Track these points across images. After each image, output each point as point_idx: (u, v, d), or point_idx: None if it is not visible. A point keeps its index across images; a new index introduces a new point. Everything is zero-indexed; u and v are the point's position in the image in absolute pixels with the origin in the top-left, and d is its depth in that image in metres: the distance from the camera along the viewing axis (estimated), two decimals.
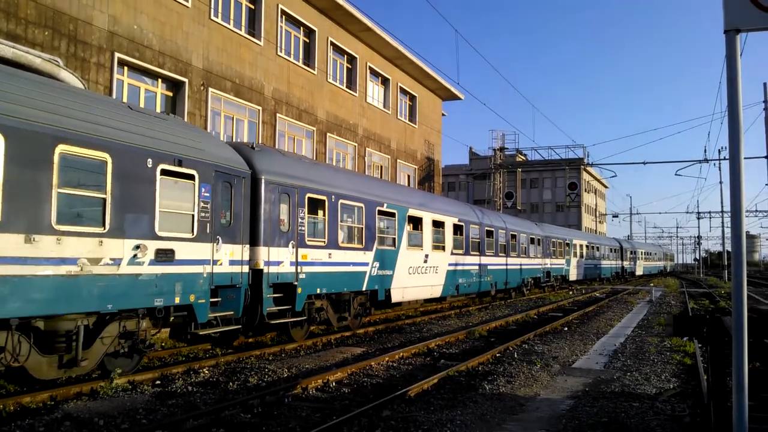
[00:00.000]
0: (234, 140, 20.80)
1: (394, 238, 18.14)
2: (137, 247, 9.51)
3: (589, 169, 75.65)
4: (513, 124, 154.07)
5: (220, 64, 20.72)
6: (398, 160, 33.46)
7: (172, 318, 10.61)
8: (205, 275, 10.92)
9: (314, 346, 14.06)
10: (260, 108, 22.72)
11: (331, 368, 10.92)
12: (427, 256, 20.21)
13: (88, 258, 8.73)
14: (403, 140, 34.09)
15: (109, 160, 9.06)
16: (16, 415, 7.61)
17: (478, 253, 25.10)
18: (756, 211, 64.12)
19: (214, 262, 11.18)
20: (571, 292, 37.14)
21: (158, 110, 17.88)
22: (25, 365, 8.34)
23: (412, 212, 19.38)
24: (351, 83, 29.31)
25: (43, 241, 8.07)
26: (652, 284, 51.07)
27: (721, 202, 62.19)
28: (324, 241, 14.71)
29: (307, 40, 26.14)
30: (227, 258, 11.55)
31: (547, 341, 15.12)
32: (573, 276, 42.90)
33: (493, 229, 27.15)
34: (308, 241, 14.05)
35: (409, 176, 35.03)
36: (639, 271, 71.64)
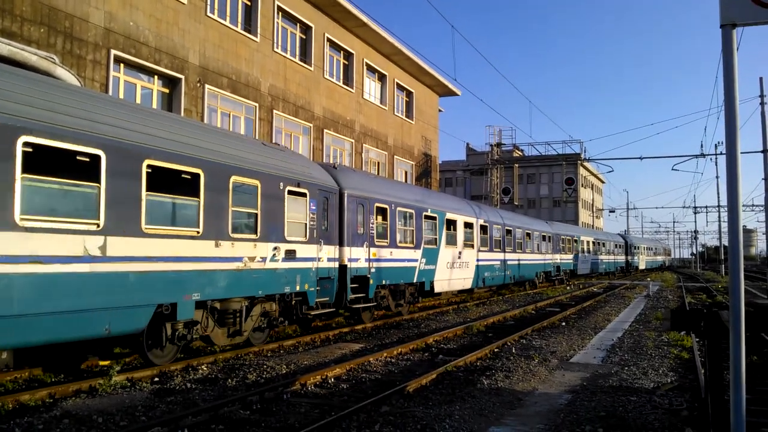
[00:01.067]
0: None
1: (435, 238, 20.95)
2: (275, 248, 12.62)
3: (585, 164, 75.69)
4: (510, 119, 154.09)
5: (216, 61, 20.69)
6: (395, 156, 33.46)
7: (293, 302, 13.58)
8: (313, 269, 14.05)
9: (312, 342, 14.07)
10: (257, 104, 22.70)
11: (330, 364, 10.93)
12: (460, 253, 23.11)
13: (248, 257, 11.79)
14: (400, 136, 34.08)
15: (259, 185, 12.15)
16: (15, 413, 7.61)
17: (500, 250, 28.21)
18: (753, 205, 64.13)
19: (318, 259, 14.24)
20: (568, 287, 37.20)
21: (154, 106, 17.85)
22: (210, 335, 11.44)
23: (449, 216, 22.31)
24: (348, 79, 29.29)
25: (224, 245, 11.17)
26: (649, 279, 51.17)
27: (718, 197, 62.30)
28: (387, 242, 17.72)
29: (304, 37, 26.10)
30: (326, 256, 14.66)
31: (545, 336, 15.16)
32: (581, 270, 45.79)
33: (511, 228, 30.16)
34: (377, 242, 17.09)
35: (406, 172, 35.03)
36: (642, 266, 73.98)
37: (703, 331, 6.13)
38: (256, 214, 12.09)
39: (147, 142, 9.65)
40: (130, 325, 9.36)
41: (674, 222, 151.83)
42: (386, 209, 17.69)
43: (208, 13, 20.37)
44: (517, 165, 52.80)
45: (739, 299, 4.19)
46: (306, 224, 13.79)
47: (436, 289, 20.96)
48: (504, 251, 28.63)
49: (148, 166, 9.61)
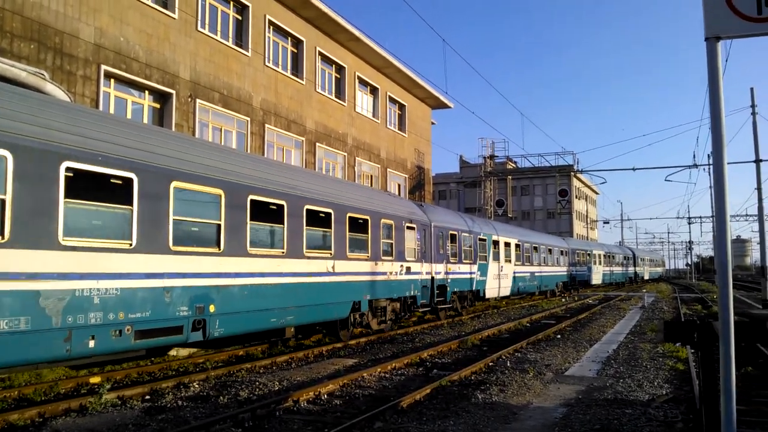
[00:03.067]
0: None
1: (485, 255, 26.70)
2: (401, 265, 18.39)
3: (579, 175, 75.87)
4: (502, 132, 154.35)
5: (207, 75, 20.69)
6: (388, 169, 33.49)
7: (408, 302, 19.09)
8: (419, 280, 19.74)
9: (306, 357, 13.97)
10: (249, 119, 22.70)
11: (323, 380, 10.84)
12: (502, 267, 28.87)
13: (390, 272, 17.56)
14: (392, 149, 34.13)
15: (393, 223, 18.02)
16: None
17: (530, 264, 34.22)
18: (747, 215, 64.48)
19: (420, 273, 19.81)
20: (563, 299, 37.21)
21: (145, 122, 17.81)
22: (370, 322, 17.01)
23: (494, 237, 28.34)
24: (340, 93, 29.35)
25: (380, 264, 16.95)
26: (644, 290, 51.19)
27: (712, 207, 62.37)
28: (457, 259, 23.23)
29: (295, 51, 26.17)
30: (424, 270, 20.21)
31: (540, 349, 15.10)
32: (594, 281, 51.73)
33: (537, 246, 36.18)
34: (450, 259, 22.59)
35: (399, 185, 35.04)
36: (646, 276, 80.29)
37: (697, 342, 6.09)
38: (391, 243, 17.83)
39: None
40: (345, 311, 15.35)
41: (668, 232, 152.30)
42: (456, 235, 23.33)
43: (199, 28, 20.40)
44: (510, 177, 52.92)
45: (728, 311, 4.16)
46: (415, 248, 19.50)
47: (487, 296, 26.82)
48: (533, 264, 34.70)
49: (350, 218, 15.51)
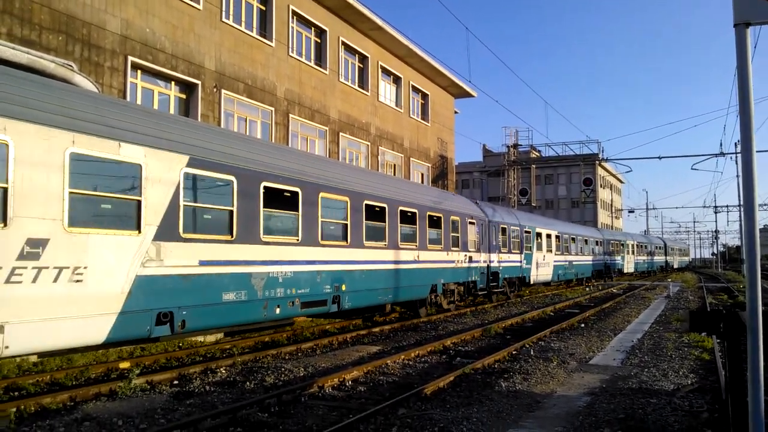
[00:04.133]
0: None
1: (530, 246, 29.90)
2: (465, 255, 21.47)
3: (604, 164, 75.11)
4: (526, 120, 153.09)
5: (232, 66, 20.83)
6: (411, 159, 33.46)
7: (470, 286, 22.30)
8: (478, 267, 22.94)
9: (330, 344, 14.11)
10: (273, 109, 22.81)
11: (347, 367, 10.96)
12: (544, 256, 32.22)
13: (456, 260, 20.75)
14: (415, 138, 34.07)
15: (460, 220, 21.37)
16: (37, 416, 7.72)
17: (568, 253, 37.59)
18: None
19: (479, 261, 22.95)
20: (587, 289, 36.97)
21: (171, 112, 18.02)
22: (441, 302, 20.18)
23: (538, 230, 31.55)
24: (363, 82, 29.34)
25: (450, 254, 20.26)
26: (669, 279, 50.66)
27: (738, 196, 61.34)
28: (507, 250, 26.52)
29: (319, 41, 26.20)
30: (482, 259, 23.37)
31: (564, 338, 15.07)
32: (627, 269, 55.08)
33: (575, 237, 39.62)
34: (502, 250, 25.86)
35: (422, 174, 35.00)
36: (676, 265, 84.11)
37: (723, 332, 6.05)
38: (458, 237, 20.94)
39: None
40: (426, 292, 18.76)
41: (694, 222, 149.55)
42: (506, 228, 26.61)
43: (224, 19, 20.52)
44: (534, 166, 52.53)
45: (756, 300, 4.14)
46: (475, 240, 22.64)
47: (531, 282, 30.17)
48: (570, 254, 38.04)
49: (429, 215, 18.93)
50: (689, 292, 33.87)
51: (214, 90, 20.04)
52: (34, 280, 7.46)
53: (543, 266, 31.73)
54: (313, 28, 25.73)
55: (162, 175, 9.35)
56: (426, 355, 12.60)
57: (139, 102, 17.54)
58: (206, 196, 10.26)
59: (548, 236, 33.17)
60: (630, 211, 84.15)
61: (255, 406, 8.01)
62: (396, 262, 16.64)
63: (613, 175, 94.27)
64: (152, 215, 9.16)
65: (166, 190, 9.42)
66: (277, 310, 11.89)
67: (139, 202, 8.95)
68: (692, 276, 64.13)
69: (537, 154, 63.32)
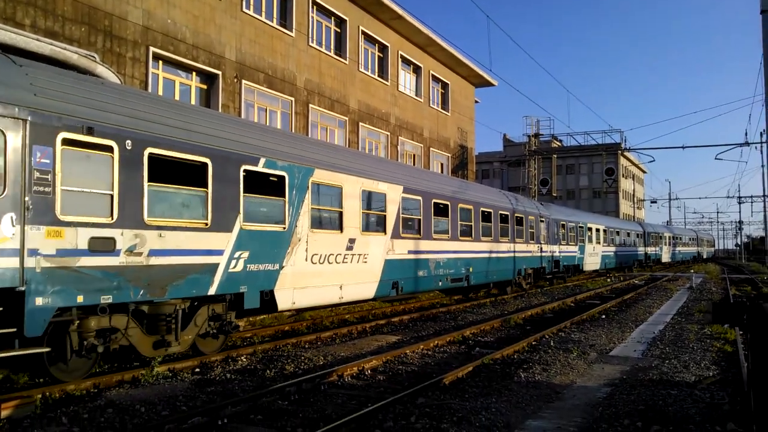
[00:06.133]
0: None
1: (582, 238, 35.17)
2: (537, 246, 26.65)
3: (626, 154, 74.31)
4: (547, 110, 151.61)
5: (252, 56, 20.89)
6: (431, 149, 33.36)
7: (540, 270, 27.29)
8: (546, 256, 27.74)
9: (349, 333, 14.17)
10: (293, 99, 22.86)
11: (366, 356, 11.00)
12: (594, 247, 37.53)
13: (533, 250, 26.24)
14: (435, 128, 33.96)
15: (534, 218, 26.50)
16: (62, 402, 7.85)
17: (613, 245, 42.95)
18: None
19: (546, 252, 27.87)
20: (609, 279, 36.70)
21: (192, 102, 18.13)
22: (521, 282, 25.54)
23: (589, 225, 36.79)
24: (382, 72, 29.27)
25: (528, 246, 25.71)
26: (692, 270, 50.11)
27: (763, 186, 60.76)
28: (566, 242, 31.66)
29: (338, 30, 26.16)
30: (549, 250, 28.33)
31: (584, 329, 14.98)
32: (664, 259, 61.36)
33: (619, 230, 45.33)
34: (561, 242, 30.83)
35: (442, 164, 34.90)
36: (705, 255, 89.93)
37: (746, 323, 5.99)
38: (533, 232, 26.10)
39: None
40: (512, 275, 23.75)
41: (717, 212, 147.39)
42: (565, 224, 31.67)
43: (244, 9, 20.56)
44: (555, 156, 52.11)
45: None
46: (544, 234, 27.64)
47: (584, 269, 35.53)
48: (615, 246, 43.37)
49: (516, 216, 24.19)
50: (712, 284, 33.46)
51: (235, 80, 20.12)
52: (351, 261, 13.81)
53: (593, 256, 37.09)
54: (333, 18, 25.70)
55: (394, 196, 15.73)
56: (445, 345, 12.60)
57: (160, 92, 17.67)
58: (409, 209, 16.54)
59: (597, 230, 38.79)
60: (652, 202, 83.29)
61: (275, 394, 8.08)
62: (498, 252, 22.29)
63: (636, 165, 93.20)
64: (390, 224, 15.41)
65: (395, 208, 15.74)
66: (440, 283, 18.05)
67: (384, 216, 15.27)
68: (715, 267, 63.32)
69: (558, 143, 62.82)
